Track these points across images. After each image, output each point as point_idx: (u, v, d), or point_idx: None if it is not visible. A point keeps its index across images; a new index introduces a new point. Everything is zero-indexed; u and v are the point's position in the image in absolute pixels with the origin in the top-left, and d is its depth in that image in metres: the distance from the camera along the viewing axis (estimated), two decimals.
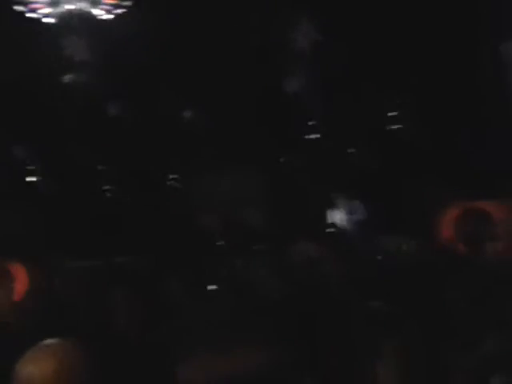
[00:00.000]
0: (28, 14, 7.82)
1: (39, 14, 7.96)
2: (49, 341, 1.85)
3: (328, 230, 10.16)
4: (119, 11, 8.32)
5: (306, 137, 11.23)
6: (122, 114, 9.83)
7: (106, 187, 13.54)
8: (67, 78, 8.44)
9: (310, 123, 11.17)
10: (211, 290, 4.21)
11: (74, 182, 12.17)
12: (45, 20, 7.68)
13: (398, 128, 11.01)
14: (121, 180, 12.96)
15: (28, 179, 11.68)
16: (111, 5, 8.37)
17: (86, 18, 7.83)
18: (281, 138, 11.06)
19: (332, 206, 10.38)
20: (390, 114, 11.03)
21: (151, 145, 11.10)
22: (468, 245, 8.29)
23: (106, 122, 10.19)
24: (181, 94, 9.26)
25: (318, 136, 11.97)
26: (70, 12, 7.88)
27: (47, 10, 8.03)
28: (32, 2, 7.83)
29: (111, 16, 8.36)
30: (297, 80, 9.48)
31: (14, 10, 7.59)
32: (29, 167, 11.79)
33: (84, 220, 11.98)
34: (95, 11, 8.18)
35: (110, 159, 12.36)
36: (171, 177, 13.49)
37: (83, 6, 8.00)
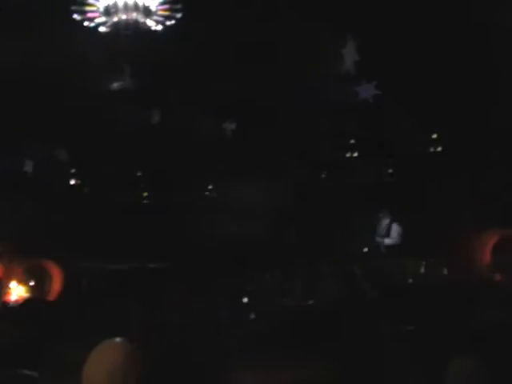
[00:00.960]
0: (85, 23, 8.06)
1: (95, 22, 8.19)
2: (113, 339, 1.95)
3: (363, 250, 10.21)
4: (171, 22, 8.52)
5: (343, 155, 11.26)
6: (163, 122, 10.00)
7: (143, 194, 13.77)
8: (117, 85, 8.65)
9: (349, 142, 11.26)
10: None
11: (112, 187, 12.37)
12: (100, 29, 7.91)
13: (435, 151, 11.01)
14: (156, 186, 13.14)
15: (71, 182, 11.92)
16: (163, 16, 8.57)
17: (139, 28, 8.04)
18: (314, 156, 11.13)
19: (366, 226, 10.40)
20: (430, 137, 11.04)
21: (188, 154, 11.24)
22: (504, 272, 8.22)
23: (147, 129, 10.37)
24: (221, 105, 9.40)
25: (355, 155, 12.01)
26: (124, 22, 8.11)
27: (103, 19, 8.28)
28: (89, 11, 8.07)
29: (163, 26, 8.55)
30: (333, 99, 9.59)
31: (72, 19, 7.83)
32: (71, 170, 12.03)
33: (120, 224, 12.18)
34: (148, 22, 8.40)
35: (146, 166, 12.55)
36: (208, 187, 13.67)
37: (137, 16, 8.22)
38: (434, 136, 11.06)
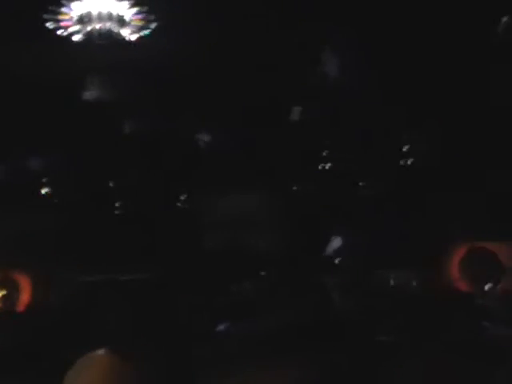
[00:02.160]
0: (58, 32, 8.04)
1: (68, 31, 8.17)
2: (96, 352, 1.91)
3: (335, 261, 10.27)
4: (145, 32, 8.53)
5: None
6: (139, 132, 9.98)
7: (116, 204, 13.66)
8: (88, 95, 8.62)
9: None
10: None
11: (86, 196, 12.28)
12: (73, 38, 7.90)
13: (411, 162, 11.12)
14: (131, 197, 13.06)
15: (41, 190, 11.81)
16: (138, 26, 8.58)
17: (113, 38, 8.04)
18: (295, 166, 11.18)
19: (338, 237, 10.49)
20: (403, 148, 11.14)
21: (166, 164, 11.23)
22: (472, 284, 8.37)
23: (122, 139, 10.34)
24: (200, 115, 9.41)
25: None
26: (97, 31, 8.10)
27: (76, 28, 8.26)
28: (62, 20, 8.05)
29: (137, 36, 8.56)
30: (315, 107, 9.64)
31: (45, 27, 7.81)
32: (42, 179, 11.91)
33: (92, 235, 12.08)
34: (123, 31, 8.39)
35: (122, 176, 12.48)
36: (181, 197, 13.61)
37: (111, 25, 8.22)
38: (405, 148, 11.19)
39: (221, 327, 3.28)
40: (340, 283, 7.41)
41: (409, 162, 10.98)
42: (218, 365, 2.70)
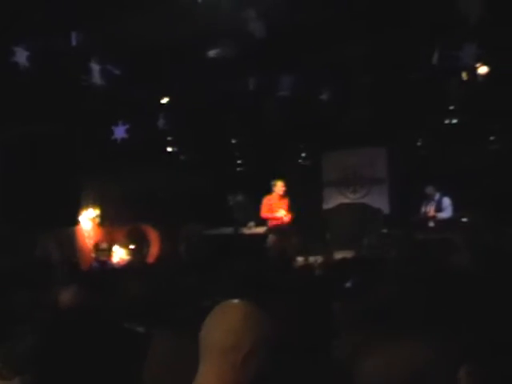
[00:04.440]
0: None
1: None
2: (232, 301, 1.98)
3: None
4: None
5: None
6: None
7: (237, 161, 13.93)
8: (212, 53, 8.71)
9: None
10: None
11: (209, 154, 12.57)
12: None
13: None
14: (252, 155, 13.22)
15: (168, 149, 12.25)
16: None
17: None
18: None
19: None
20: None
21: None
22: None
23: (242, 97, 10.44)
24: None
25: None
26: None
27: None
28: None
29: None
30: None
31: None
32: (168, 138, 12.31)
33: (214, 190, 12.44)
34: None
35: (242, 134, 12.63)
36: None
37: None
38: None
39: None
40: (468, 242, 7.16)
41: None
42: (348, 323, 2.71)
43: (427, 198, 10.68)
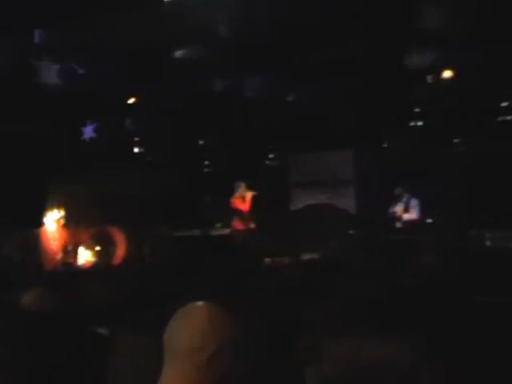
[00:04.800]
0: None
1: None
2: (197, 303, 1.96)
3: None
4: None
5: None
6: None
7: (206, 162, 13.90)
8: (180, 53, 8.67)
9: None
10: None
11: (176, 155, 12.51)
12: None
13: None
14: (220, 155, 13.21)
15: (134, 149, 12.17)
16: None
17: None
18: None
19: None
20: None
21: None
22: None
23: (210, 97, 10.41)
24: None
25: None
26: None
27: None
28: None
29: None
30: None
31: None
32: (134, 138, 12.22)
33: (180, 191, 12.39)
34: None
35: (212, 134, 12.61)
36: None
37: None
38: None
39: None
40: (433, 243, 7.25)
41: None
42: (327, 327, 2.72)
43: (395, 199, 10.81)
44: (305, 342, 2.30)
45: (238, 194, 10.49)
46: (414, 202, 10.57)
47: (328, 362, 1.85)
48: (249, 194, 10.60)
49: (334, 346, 1.91)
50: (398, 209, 10.70)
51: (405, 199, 10.64)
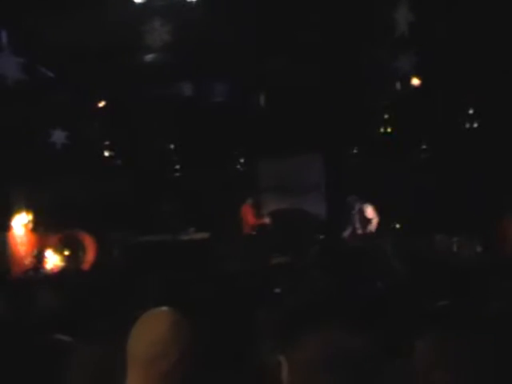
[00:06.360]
0: None
1: None
2: (158, 309, 1.98)
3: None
4: None
5: None
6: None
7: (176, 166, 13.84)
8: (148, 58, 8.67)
9: None
10: None
11: (146, 159, 12.45)
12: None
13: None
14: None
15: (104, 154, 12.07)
16: None
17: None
18: None
19: None
20: None
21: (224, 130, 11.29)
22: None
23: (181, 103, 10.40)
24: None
25: None
26: None
27: None
28: None
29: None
30: None
31: None
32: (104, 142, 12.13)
33: (149, 197, 12.32)
34: None
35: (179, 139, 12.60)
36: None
37: None
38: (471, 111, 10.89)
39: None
40: (399, 248, 7.36)
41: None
42: (279, 329, 2.75)
43: (348, 207, 10.62)
44: (262, 348, 2.34)
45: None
46: (370, 213, 10.37)
47: (302, 349, 1.88)
48: None
49: (308, 334, 1.93)
50: (355, 222, 10.56)
51: (357, 207, 10.45)
